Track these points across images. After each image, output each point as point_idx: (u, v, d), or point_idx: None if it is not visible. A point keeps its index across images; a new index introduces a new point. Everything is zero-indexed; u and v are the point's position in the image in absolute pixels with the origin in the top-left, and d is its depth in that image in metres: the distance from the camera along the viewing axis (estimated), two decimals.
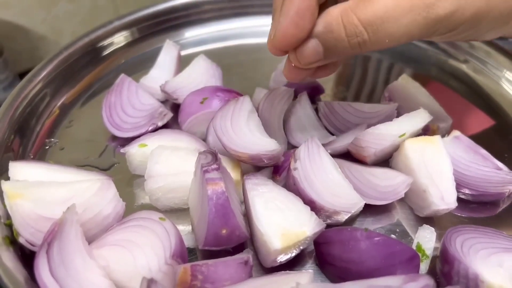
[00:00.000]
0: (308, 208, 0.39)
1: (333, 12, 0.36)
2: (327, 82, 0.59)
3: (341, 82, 0.61)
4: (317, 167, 0.42)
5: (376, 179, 0.44)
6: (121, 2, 0.92)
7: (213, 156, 0.39)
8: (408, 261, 0.36)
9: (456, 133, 0.50)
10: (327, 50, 0.37)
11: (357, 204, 0.41)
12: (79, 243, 0.36)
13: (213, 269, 0.35)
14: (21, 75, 0.85)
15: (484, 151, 0.48)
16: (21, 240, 0.37)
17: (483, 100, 0.58)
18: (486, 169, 0.46)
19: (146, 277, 0.32)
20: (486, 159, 0.47)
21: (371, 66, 0.64)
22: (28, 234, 0.37)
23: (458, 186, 0.44)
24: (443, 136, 0.49)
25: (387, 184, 0.44)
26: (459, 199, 0.45)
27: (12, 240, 0.38)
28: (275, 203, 0.39)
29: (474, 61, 0.60)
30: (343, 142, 0.47)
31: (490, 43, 0.59)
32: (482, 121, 0.55)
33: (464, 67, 0.61)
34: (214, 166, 0.38)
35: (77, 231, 0.36)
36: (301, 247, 0.38)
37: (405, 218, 0.45)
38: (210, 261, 0.36)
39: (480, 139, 0.49)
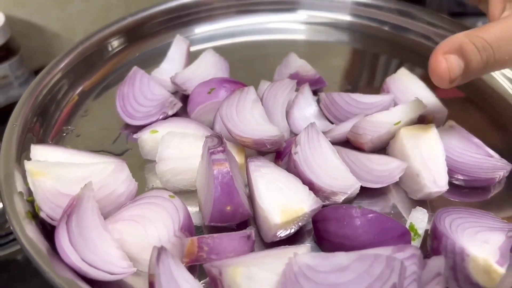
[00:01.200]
0: (306, 187, 0.42)
1: (458, 36, 0.40)
2: (331, 76, 0.62)
3: (346, 77, 0.64)
4: (316, 151, 0.45)
5: (372, 164, 0.47)
6: (132, 1, 0.95)
7: (219, 140, 0.42)
8: (399, 237, 0.39)
9: (451, 123, 0.52)
10: (466, 65, 0.40)
11: (353, 185, 0.44)
12: (95, 217, 0.39)
13: (218, 241, 0.38)
14: (36, 72, 0.88)
15: (477, 140, 0.50)
16: (42, 214, 0.40)
17: (478, 91, 0.60)
18: (478, 156, 0.49)
19: (157, 246, 0.35)
20: (478, 147, 0.50)
21: (379, 65, 0.67)
22: (48, 209, 0.40)
23: (451, 172, 0.47)
24: (438, 126, 0.52)
25: (382, 168, 0.47)
26: (452, 185, 0.48)
27: (34, 215, 0.41)
28: (276, 183, 0.41)
29: None
30: (342, 130, 0.50)
31: None
32: (477, 112, 0.58)
33: None
34: (220, 148, 0.41)
35: (93, 206, 0.39)
36: (300, 224, 0.41)
37: (400, 201, 0.47)
38: (216, 235, 0.39)
39: (474, 128, 0.52)
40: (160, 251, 0.35)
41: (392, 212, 0.46)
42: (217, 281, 0.34)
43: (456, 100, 0.59)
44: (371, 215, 0.39)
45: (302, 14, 0.71)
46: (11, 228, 0.40)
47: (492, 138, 0.52)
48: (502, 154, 0.49)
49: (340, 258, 0.34)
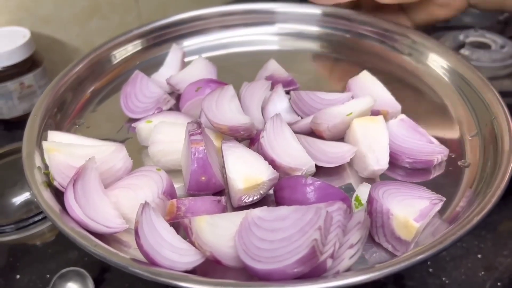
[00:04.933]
0: (267, 163, 0.51)
1: None
2: (303, 78, 0.71)
3: (315, 79, 0.74)
4: (279, 136, 0.54)
5: (328, 147, 0.56)
6: (146, 19, 1.06)
7: (198, 125, 0.52)
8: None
9: (401, 116, 0.61)
10: None
11: (308, 163, 0.53)
12: (97, 184, 0.49)
13: (193, 203, 0.48)
14: None
15: (421, 129, 0.59)
16: (55, 183, 0.51)
17: (427, 86, 0.70)
18: (420, 142, 0.57)
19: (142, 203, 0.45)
20: (422, 135, 0.58)
21: (343, 68, 0.77)
22: (60, 179, 0.50)
23: (398, 155, 0.56)
24: (392, 119, 0.61)
25: (336, 151, 0.56)
26: (398, 166, 0.56)
27: (49, 184, 0.51)
28: (242, 159, 0.51)
29: (416, 54, 0.74)
30: (306, 121, 0.59)
31: (428, 39, 0.72)
32: (427, 104, 0.68)
33: (408, 59, 0.75)
34: (198, 131, 0.51)
35: (95, 175, 0.49)
36: (261, 192, 0.50)
37: (353, 180, 0.56)
38: (191, 198, 0.48)
39: (424, 119, 0.61)
40: (144, 205, 0.44)
41: (342, 187, 0.55)
42: (188, 229, 0.44)
43: (409, 94, 0.69)
44: (317, 182, 0.48)
45: (278, 27, 0.82)
46: (32, 195, 0.50)
47: (439, 128, 0.61)
48: (443, 142, 0.58)
49: (282, 210, 0.43)
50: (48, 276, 0.61)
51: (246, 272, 0.42)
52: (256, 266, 0.40)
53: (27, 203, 0.69)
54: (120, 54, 0.75)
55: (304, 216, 0.41)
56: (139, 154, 0.60)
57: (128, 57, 0.75)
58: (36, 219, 0.64)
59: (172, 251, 0.42)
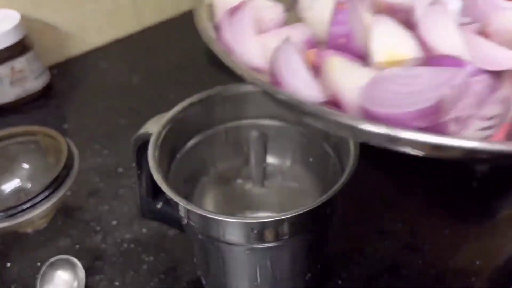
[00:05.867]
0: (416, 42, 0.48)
1: None
2: None
3: None
4: (438, 21, 0.50)
5: (491, 49, 0.50)
6: (141, 2, 1.04)
7: None
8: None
9: None
10: None
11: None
12: (251, 21, 0.51)
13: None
14: (51, 68, 0.99)
15: None
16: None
17: None
18: None
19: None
20: None
21: None
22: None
23: None
24: None
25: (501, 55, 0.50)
26: None
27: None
28: (391, 33, 0.47)
29: None
30: (474, 26, 0.54)
31: None
32: None
33: None
34: None
35: (252, 14, 0.52)
36: None
37: None
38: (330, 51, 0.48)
39: None
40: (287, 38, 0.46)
41: None
42: (320, 68, 0.45)
43: None
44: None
45: None
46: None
47: None
48: None
49: (419, 70, 0.42)
50: (39, 264, 0.61)
51: None
52: (376, 109, 0.39)
53: (17, 191, 0.70)
54: None
55: (439, 74, 0.39)
56: None
57: None
58: (25, 206, 0.64)
59: (296, 79, 0.43)
